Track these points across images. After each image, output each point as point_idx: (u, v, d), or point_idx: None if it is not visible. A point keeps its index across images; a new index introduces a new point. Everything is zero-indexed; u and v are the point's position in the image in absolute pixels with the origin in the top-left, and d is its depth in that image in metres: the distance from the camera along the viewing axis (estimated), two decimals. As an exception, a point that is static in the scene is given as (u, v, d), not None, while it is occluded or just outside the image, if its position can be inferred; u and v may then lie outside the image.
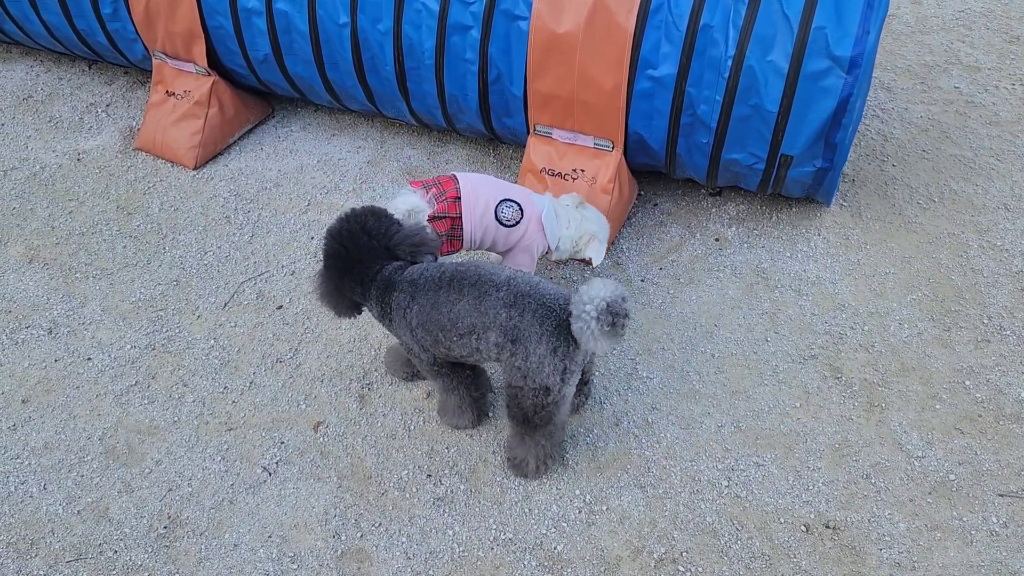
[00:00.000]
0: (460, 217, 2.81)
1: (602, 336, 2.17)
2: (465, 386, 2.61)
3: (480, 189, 2.86)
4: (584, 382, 2.67)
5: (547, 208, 2.95)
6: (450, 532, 2.50)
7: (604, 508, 2.53)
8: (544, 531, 2.49)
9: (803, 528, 2.45)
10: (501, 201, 2.87)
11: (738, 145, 3.05)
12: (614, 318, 2.15)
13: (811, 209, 3.47)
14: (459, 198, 2.81)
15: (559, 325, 2.25)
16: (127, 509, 2.61)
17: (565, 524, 2.50)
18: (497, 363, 2.42)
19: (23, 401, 2.93)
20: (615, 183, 3.25)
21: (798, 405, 2.77)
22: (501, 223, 2.86)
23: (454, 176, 2.87)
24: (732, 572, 2.37)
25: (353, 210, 2.45)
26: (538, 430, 2.44)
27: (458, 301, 2.33)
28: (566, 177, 3.32)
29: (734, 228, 3.42)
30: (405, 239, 2.45)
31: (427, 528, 2.51)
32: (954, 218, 3.40)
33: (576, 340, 2.24)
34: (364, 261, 2.42)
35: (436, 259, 2.57)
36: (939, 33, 4.48)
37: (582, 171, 3.29)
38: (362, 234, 2.41)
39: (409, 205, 2.70)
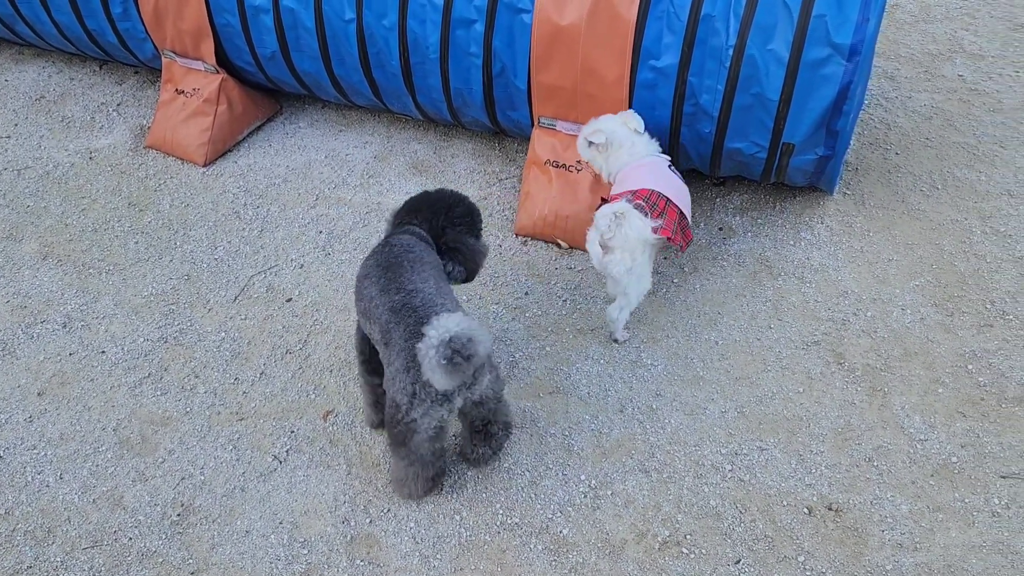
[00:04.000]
0: (681, 212, 2.86)
1: (438, 368, 2.09)
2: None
3: (658, 178, 2.92)
4: (486, 432, 2.55)
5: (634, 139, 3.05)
6: (457, 517, 2.54)
7: (609, 493, 2.57)
8: (550, 515, 2.52)
9: (806, 510, 2.48)
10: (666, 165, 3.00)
11: (740, 134, 3.07)
12: (453, 354, 2.08)
13: (814, 198, 3.49)
14: (670, 199, 2.84)
15: None
16: (141, 497, 2.67)
17: (571, 508, 2.54)
18: None
19: (39, 394, 2.99)
20: (619, 174, 3.27)
21: (801, 390, 2.80)
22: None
23: (648, 188, 2.82)
24: (735, 554, 2.40)
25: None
26: (395, 448, 2.42)
27: (374, 285, 2.42)
28: (570, 168, 3.35)
29: (738, 217, 3.45)
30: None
31: (435, 513, 2.55)
32: (957, 205, 3.41)
33: None
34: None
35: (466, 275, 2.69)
36: (943, 22, 4.48)
37: (587, 162, 3.32)
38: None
39: (617, 208, 2.73)
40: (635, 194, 2.80)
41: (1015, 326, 2.92)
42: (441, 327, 2.11)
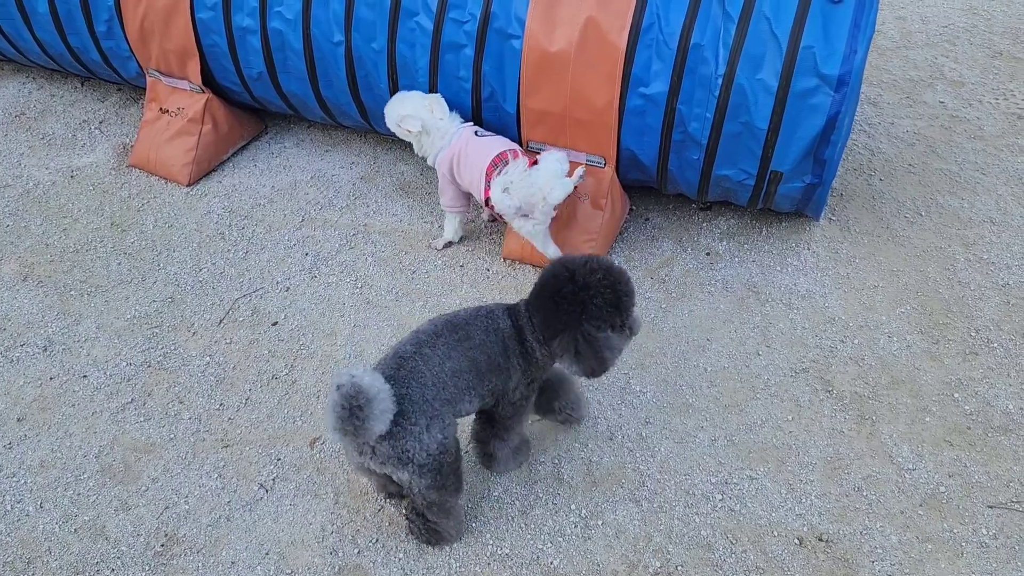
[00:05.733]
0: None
1: (329, 403, 2.04)
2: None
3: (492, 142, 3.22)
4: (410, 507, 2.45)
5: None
6: (447, 548, 2.51)
7: (600, 523, 2.56)
8: (541, 546, 2.51)
9: (796, 541, 2.48)
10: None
11: (729, 162, 3.09)
12: (344, 399, 2.00)
13: (801, 223, 3.51)
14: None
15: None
16: (124, 527, 2.62)
17: (561, 539, 2.52)
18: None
19: (18, 420, 2.93)
20: (608, 199, 3.28)
21: (790, 418, 2.81)
22: None
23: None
24: (727, 585, 2.40)
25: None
26: None
27: (423, 326, 2.36)
28: (559, 193, 3.35)
29: (725, 243, 3.46)
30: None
31: (424, 544, 2.52)
32: (941, 232, 3.45)
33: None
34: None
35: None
36: (924, 48, 4.55)
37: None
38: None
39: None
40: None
41: (999, 354, 2.96)
42: (357, 374, 2.01)
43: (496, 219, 3.22)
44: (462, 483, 2.38)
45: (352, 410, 2.00)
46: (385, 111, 3.33)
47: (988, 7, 4.85)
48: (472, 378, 2.27)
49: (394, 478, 2.27)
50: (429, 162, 3.36)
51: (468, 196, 3.37)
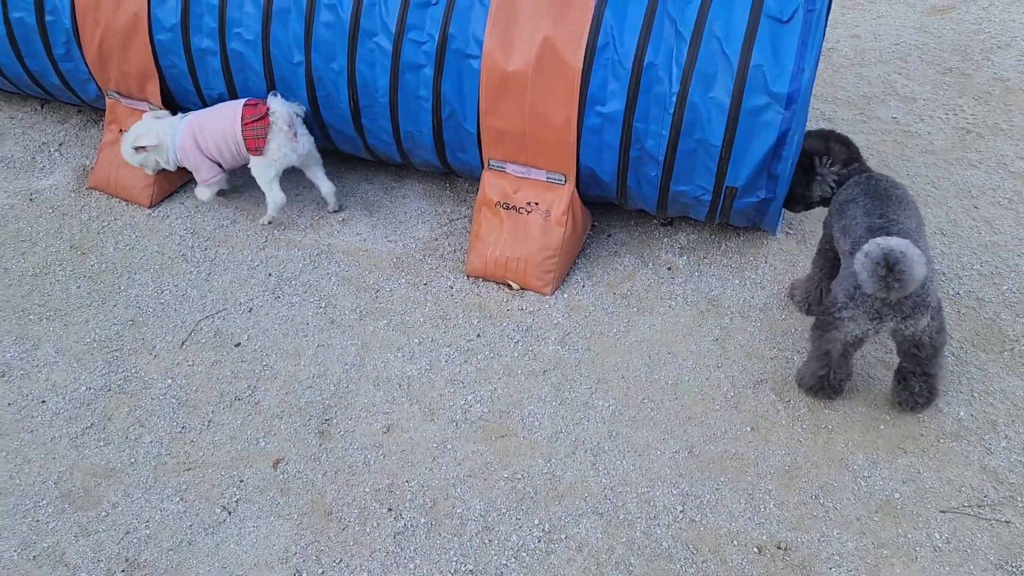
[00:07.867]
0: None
1: (865, 274, 2.38)
2: None
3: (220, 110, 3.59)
4: (906, 375, 2.76)
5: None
6: (411, 566, 2.52)
7: (563, 536, 2.58)
8: (504, 561, 2.52)
9: (756, 550, 2.52)
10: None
11: (685, 178, 3.15)
12: (882, 263, 2.32)
13: (758, 237, 3.58)
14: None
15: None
16: (84, 553, 2.59)
17: (525, 554, 2.54)
18: None
19: (-25, 446, 2.89)
20: (568, 215, 3.33)
21: (749, 429, 2.85)
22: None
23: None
24: (688, 596, 2.42)
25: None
26: (812, 332, 2.82)
27: (859, 208, 2.82)
28: (520, 210, 3.39)
29: (685, 257, 3.52)
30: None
31: (388, 563, 2.53)
32: (894, 243, 3.53)
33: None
34: None
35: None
36: (877, 65, 4.66)
37: (536, 204, 3.37)
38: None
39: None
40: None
41: (951, 363, 3.03)
42: (882, 241, 2.36)
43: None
44: None
45: (888, 268, 2.32)
46: (122, 151, 3.66)
47: (938, 26, 4.99)
48: (922, 224, 2.78)
49: (907, 332, 2.57)
50: (172, 164, 3.65)
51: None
